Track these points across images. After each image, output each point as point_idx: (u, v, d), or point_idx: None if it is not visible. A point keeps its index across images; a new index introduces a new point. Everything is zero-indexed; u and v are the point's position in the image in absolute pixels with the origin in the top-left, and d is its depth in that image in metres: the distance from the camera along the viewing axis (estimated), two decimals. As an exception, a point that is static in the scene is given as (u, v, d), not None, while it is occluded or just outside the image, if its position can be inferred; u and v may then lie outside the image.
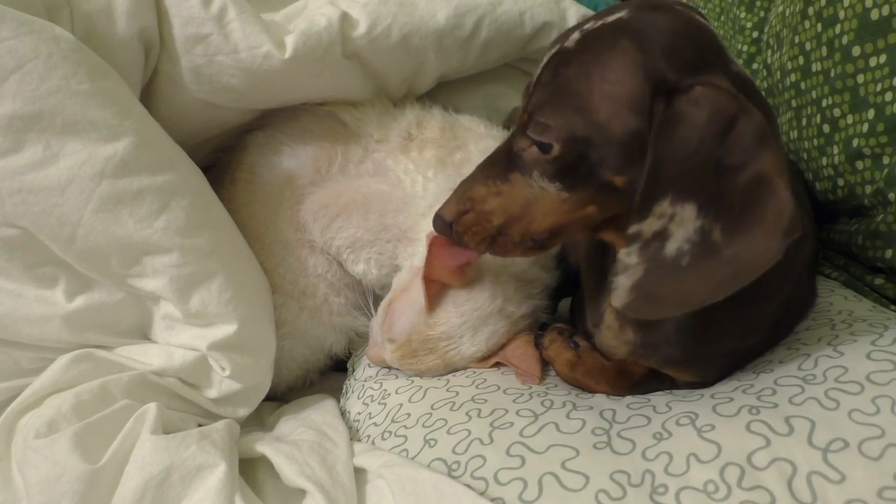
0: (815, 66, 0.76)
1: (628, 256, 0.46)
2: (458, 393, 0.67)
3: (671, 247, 0.45)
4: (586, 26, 0.51)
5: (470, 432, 0.59)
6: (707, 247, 0.44)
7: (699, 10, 1.31)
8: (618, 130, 0.48)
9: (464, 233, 0.58)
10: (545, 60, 0.53)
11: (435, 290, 0.72)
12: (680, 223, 0.45)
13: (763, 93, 0.97)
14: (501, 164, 0.56)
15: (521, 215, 0.54)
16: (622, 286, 0.46)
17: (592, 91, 0.48)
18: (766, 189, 0.43)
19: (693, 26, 0.50)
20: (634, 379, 0.65)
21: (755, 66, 1.11)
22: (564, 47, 0.51)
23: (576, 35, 0.51)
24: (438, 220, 0.59)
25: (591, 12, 0.94)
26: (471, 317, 0.73)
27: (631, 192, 0.48)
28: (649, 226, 0.46)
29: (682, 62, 0.47)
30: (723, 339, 0.59)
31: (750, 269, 0.44)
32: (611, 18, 0.50)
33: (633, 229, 0.46)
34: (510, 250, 0.57)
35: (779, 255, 0.42)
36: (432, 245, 0.66)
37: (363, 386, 0.76)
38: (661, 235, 0.45)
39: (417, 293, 0.73)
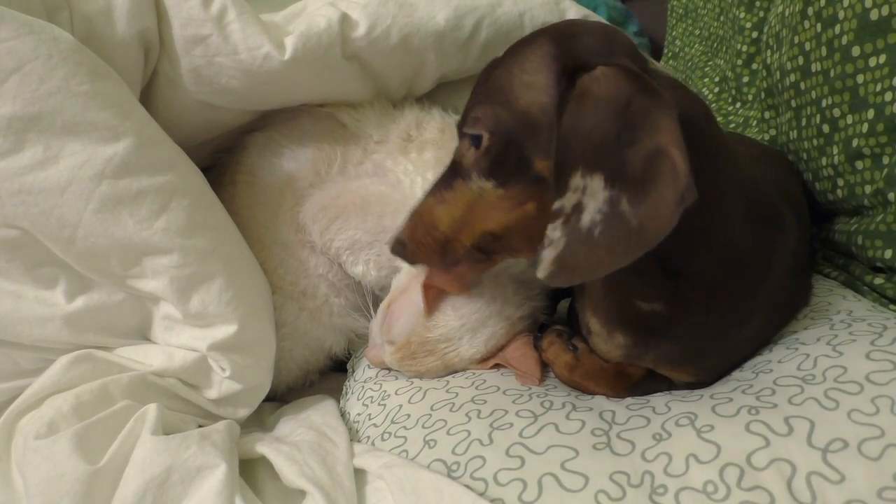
0: (815, 67, 0.76)
1: (553, 231, 0.48)
2: (457, 394, 0.67)
3: (586, 219, 0.47)
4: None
5: (469, 433, 0.59)
6: (616, 217, 0.46)
7: (695, 13, 1.31)
8: (536, 113, 0.51)
9: (416, 250, 0.62)
10: (481, 72, 0.58)
11: (434, 294, 0.72)
12: (591, 195, 0.46)
13: (763, 93, 0.98)
14: (446, 176, 0.59)
15: (465, 219, 0.58)
16: (546, 259, 0.48)
17: (513, 82, 0.53)
18: (662, 160, 0.45)
19: (609, 29, 0.56)
20: (633, 380, 0.65)
21: (754, 66, 1.11)
22: (496, 58, 0.57)
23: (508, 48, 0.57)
24: (395, 244, 0.64)
25: (590, 13, 0.94)
26: (470, 319, 0.73)
27: None
28: (568, 200, 0.47)
29: (591, 50, 0.51)
30: (708, 334, 0.60)
31: (652, 236, 0.45)
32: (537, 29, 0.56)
33: (556, 205, 0.48)
34: (460, 261, 0.61)
35: (674, 221, 0.44)
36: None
37: (363, 387, 0.76)
38: (578, 208, 0.47)
39: (416, 295, 0.73)
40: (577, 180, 0.47)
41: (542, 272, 0.48)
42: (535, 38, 0.54)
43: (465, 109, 0.58)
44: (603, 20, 0.95)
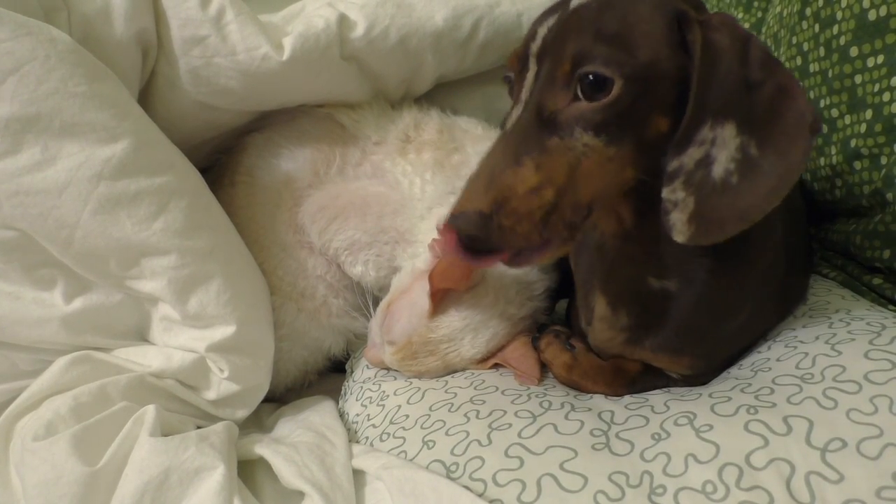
0: (813, 67, 0.76)
1: (673, 193, 0.47)
2: (456, 394, 0.67)
3: (718, 169, 0.46)
4: None
5: (468, 433, 0.59)
6: (749, 161, 0.46)
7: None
8: (664, 66, 0.48)
9: (510, 226, 0.47)
10: (555, 17, 0.51)
11: (440, 296, 0.72)
12: (722, 145, 0.47)
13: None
14: (530, 137, 0.49)
15: (568, 185, 0.48)
16: (679, 220, 0.47)
17: (630, 31, 0.48)
18: (785, 96, 0.47)
19: None
20: (630, 377, 0.65)
21: (753, 66, 1.11)
22: (582, 4, 0.50)
23: None
24: (470, 216, 0.47)
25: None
26: (473, 319, 0.73)
27: (668, 138, 0.49)
28: (691, 156, 0.47)
29: (687, 1, 0.51)
30: (709, 316, 0.60)
31: (790, 172, 0.46)
32: None
33: (673, 165, 0.48)
34: (556, 241, 0.49)
35: (809, 151, 0.46)
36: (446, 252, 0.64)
37: (361, 388, 0.76)
38: (705, 161, 0.47)
39: (419, 296, 0.73)
40: (704, 133, 0.47)
41: (680, 235, 0.47)
42: None
43: (561, 52, 0.49)
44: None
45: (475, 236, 0.48)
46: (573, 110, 0.48)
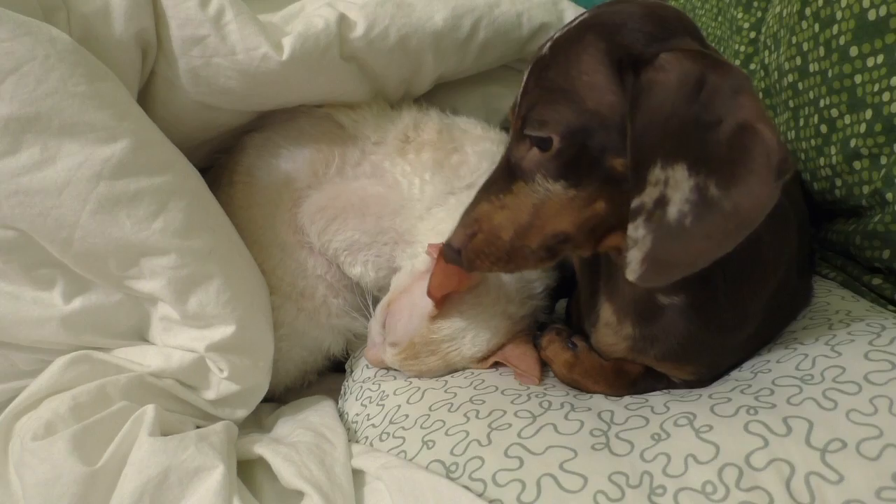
0: (813, 67, 0.76)
1: (635, 231, 0.47)
2: (456, 394, 0.67)
3: (672, 210, 0.45)
4: (555, 35, 0.55)
5: (468, 433, 0.59)
6: (706, 203, 0.44)
7: (692, 13, 1.31)
8: (605, 112, 0.49)
9: (475, 258, 0.58)
10: (527, 72, 0.55)
11: (442, 301, 0.72)
12: (675, 186, 0.45)
13: (760, 93, 0.98)
14: (501, 178, 0.56)
15: (532, 223, 0.54)
16: (634, 259, 0.47)
17: (574, 84, 0.51)
18: (749, 135, 0.44)
19: (653, 8, 0.53)
20: (631, 378, 0.65)
21: (752, 66, 1.11)
22: (541, 56, 0.54)
23: (548, 44, 0.54)
24: (448, 249, 0.59)
25: (588, 13, 0.94)
26: (474, 319, 0.73)
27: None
28: (649, 195, 0.46)
29: (644, 37, 0.50)
30: (717, 330, 0.59)
31: (752, 216, 0.44)
32: (575, 21, 0.54)
33: (635, 203, 0.47)
34: (525, 264, 0.57)
35: (776, 195, 0.43)
36: (438, 263, 0.65)
37: (361, 387, 0.76)
38: (661, 202, 0.46)
39: (419, 296, 0.73)
40: (656, 173, 0.46)
41: (632, 274, 0.47)
42: (581, 35, 0.52)
43: (519, 110, 0.55)
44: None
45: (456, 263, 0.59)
46: (531, 158, 0.53)
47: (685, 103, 0.46)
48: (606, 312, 0.63)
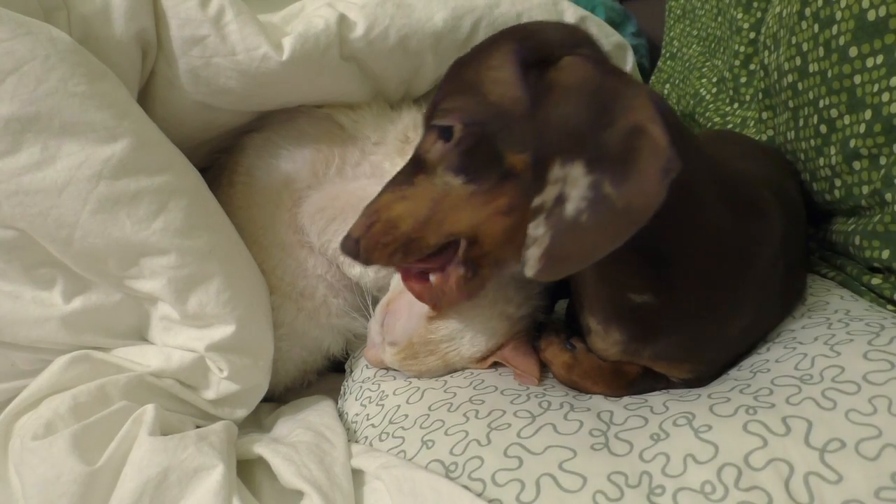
0: (812, 67, 0.76)
1: (535, 229, 0.47)
2: (455, 394, 0.67)
3: (570, 207, 0.46)
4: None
5: (468, 433, 0.59)
6: (601, 200, 0.45)
7: (693, 13, 1.31)
8: (508, 106, 0.52)
9: (372, 248, 0.57)
10: (449, 69, 0.58)
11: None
12: (573, 183, 0.46)
13: (760, 94, 0.98)
14: (406, 171, 0.58)
15: (431, 216, 0.55)
16: (532, 257, 0.47)
17: (482, 77, 0.53)
18: (639, 136, 0.45)
19: (570, 27, 0.57)
20: (630, 378, 0.65)
21: (752, 66, 1.11)
22: (460, 56, 0.57)
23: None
24: (346, 240, 0.59)
25: (588, 13, 0.94)
26: (472, 319, 0.73)
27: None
28: (549, 194, 0.47)
29: (553, 43, 0.52)
30: (699, 325, 0.59)
31: (642, 213, 0.45)
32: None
33: (536, 202, 0.48)
34: (454, 273, 0.58)
35: (662, 194, 0.44)
36: (407, 284, 0.64)
37: (361, 387, 0.76)
38: (560, 199, 0.47)
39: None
40: (556, 171, 0.47)
41: (530, 270, 0.48)
42: (499, 36, 0.56)
43: (431, 103, 0.57)
44: (601, 20, 0.95)
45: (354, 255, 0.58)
46: (435, 151, 0.55)
47: (583, 103, 0.47)
48: (592, 322, 0.64)
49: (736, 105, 1.13)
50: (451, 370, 0.75)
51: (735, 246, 0.58)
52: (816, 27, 0.75)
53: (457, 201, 0.54)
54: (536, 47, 0.52)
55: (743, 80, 1.12)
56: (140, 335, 0.73)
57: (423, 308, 0.72)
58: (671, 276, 0.55)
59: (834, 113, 0.74)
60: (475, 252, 0.57)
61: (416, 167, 0.57)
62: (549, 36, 0.54)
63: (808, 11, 0.76)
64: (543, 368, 0.72)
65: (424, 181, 0.55)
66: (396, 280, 0.80)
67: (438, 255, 0.58)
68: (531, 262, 0.47)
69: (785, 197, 0.70)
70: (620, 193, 0.45)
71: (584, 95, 0.47)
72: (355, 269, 0.85)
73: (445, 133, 0.54)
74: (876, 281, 0.71)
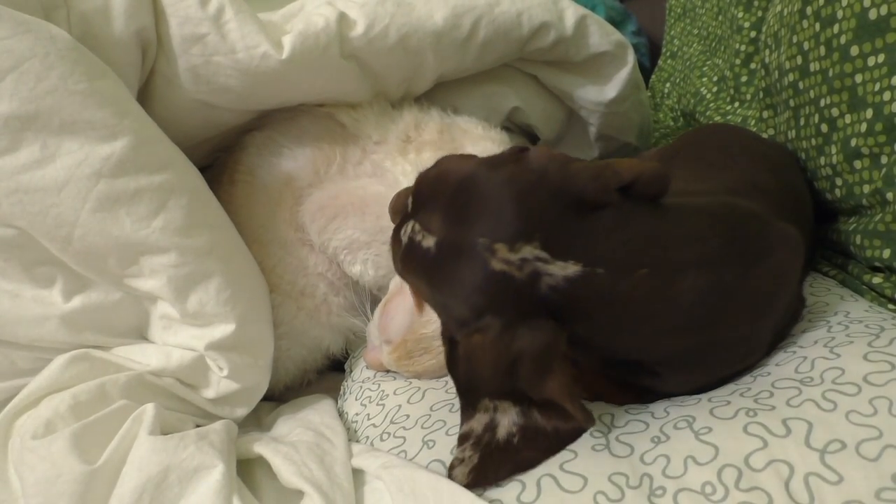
0: (814, 66, 0.76)
1: (462, 452, 0.52)
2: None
3: (502, 432, 0.51)
4: None
5: (468, 434, 0.59)
6: (531, 426, 0.51)
7: (693, 12, 1.30)
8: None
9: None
10: None
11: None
12: (504, 412, 0.51)
13: (761, 93, 0.98)
14: None
15: None
16: (461, 473, 0.52)
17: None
18: (558, 407, 0.50)
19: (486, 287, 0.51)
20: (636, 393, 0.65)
21: (753, 65, 1.11)
22: None
23: None
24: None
25: (588, 12, 0.94)
26: None
27: None
28: (478, 421, 0.52)
29: (470, 309, 0.50)
30: (724, 367, 0.59)
31: (571, 437, 0.52)
32: None
33: (463, 429, 0.52)
34: None
35: (591, 421, 0.51)
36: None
37: (361, 387, 0.76)
38: (491, 426, 0.51)
39: (409, 294, 0.72)
40: (486, 403, 0.51)
41: (461, 482, 0.52)
42: None
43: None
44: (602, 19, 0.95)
45: None
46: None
47: (501, 374, 0.49)
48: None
49: (737, 104, 1.13)
50: (450, 370, 0.75)
51: (745, 302, 0.54)
52: (818, 26, 0.75)
53: None
54: (462, 311, 0.51)
55: (744, 78, 1.12)
56: (140, 334, 0.73)
57: (413, 303, 0.72)
58: (662, 372, 0.57)
59: (835, 112, 0.74)
60: None
61: None
62: (463, 305, 0.51)
63: (809, 10, 0.76)
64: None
65: None
66: (395, 280, 0.80)
67: None
68: (459, 477, 0.52)
69: (795, 209, 0.70)
70: (549, 422, 0.51)
71: (501, 370, 0.49)
72: (355, 268, 0.85)
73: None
74: (877, 280, 0.71)
